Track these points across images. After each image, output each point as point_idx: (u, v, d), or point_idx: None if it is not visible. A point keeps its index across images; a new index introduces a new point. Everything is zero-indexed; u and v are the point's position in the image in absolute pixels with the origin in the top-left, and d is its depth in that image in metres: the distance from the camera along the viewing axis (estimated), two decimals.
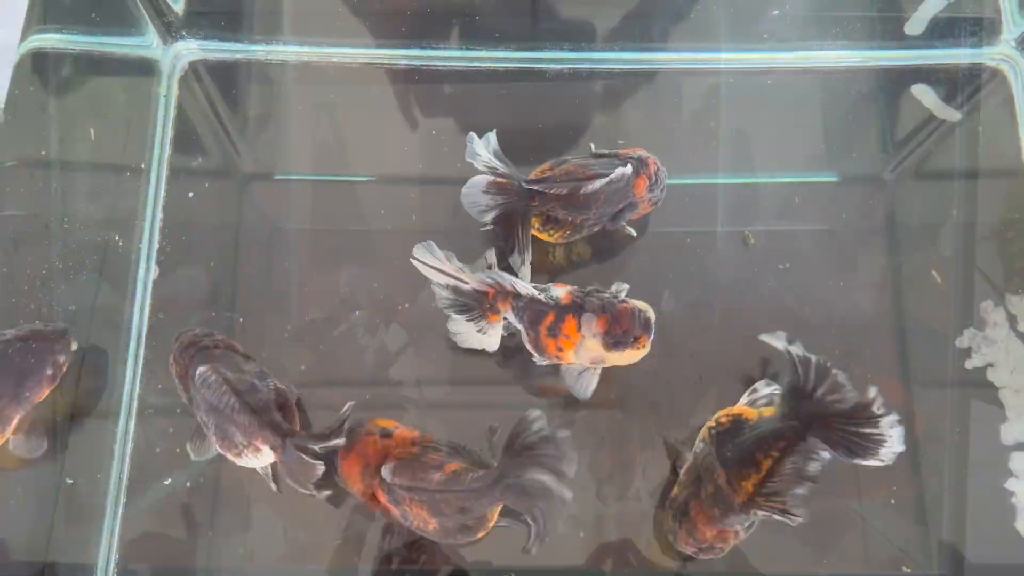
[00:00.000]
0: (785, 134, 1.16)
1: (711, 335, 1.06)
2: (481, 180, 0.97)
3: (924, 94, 1.16)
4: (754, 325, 1.03)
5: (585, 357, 0.95)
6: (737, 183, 1.13)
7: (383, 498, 0.90)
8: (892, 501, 1.00)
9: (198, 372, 0.92)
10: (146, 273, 1.07)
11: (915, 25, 1.20)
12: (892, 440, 0.81)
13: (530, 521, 0.82)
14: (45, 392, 0.98)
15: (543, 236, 1.03)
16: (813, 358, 0.84)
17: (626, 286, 0.98)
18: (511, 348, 1.03)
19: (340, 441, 0.90)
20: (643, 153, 1.02)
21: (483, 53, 1.18)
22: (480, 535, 0.91)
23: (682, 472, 0.94)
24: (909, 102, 1.17)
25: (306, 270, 1.09)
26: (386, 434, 0.93)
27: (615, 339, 0.93)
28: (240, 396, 0.91)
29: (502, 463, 0.85)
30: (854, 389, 0.82)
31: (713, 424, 0.91)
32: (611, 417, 1.03)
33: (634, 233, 1.07)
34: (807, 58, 1.18)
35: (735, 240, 1.10)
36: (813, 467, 0.83)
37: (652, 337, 0.95)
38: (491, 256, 1.04)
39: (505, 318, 0.95)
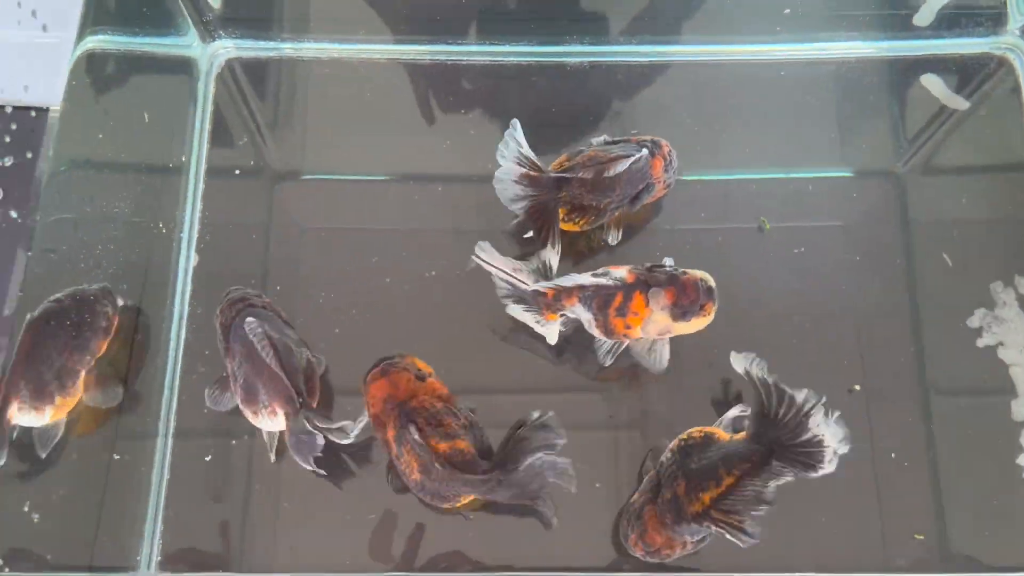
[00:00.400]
0: (798, 125, 1.19)
1: (726, 326, 1.07)
2: (512, 169, 1.00)
3: (933, 84, 1.20)
4: (769, 315, 1.08)
5: (652, 330, 0.98)
6: (751, 177, 1.17)
7: (391, 432, 0.94)
8: (906, 474, 1.03)
9: (247, 321, 0.95)
10: (187, 261, 1.13)
11: (924, 16, 1.23)
12: (834, 447, 0.85)
13: (538, 507, 0.88)
14: (103, 344, 1.03)
15: (569, 226, 1.07)
16: (771, 381, 0.87)
17: (670, 260, 1.01)
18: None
19: (347, 440, 0.95)
20: (654, 137, 1.06)
21: (507, 47, 1.22)
22: (449, 507, 0.96)
23: (645, 479, 0.97)
24: (919, 92, 1.20)
25: (338, 264, 1.12)
26: (420, 376, 0.97)
27: (683, 309, 0.96)
28: (277, 354, 0.95)
29: (496, 462, 0.90)
30: (815, 403, 0.85)
31: (685, 437, 0.94)
32: (627, 405, 1.06)
33: (615, 241, 1.10)
34: (819, 50, 1.22)
35: (750, 232, 1.13)
36: (771, 492, 0.86)
37: (716, 304, 0.98)
38: (548, 256, 1.04)
39: (564, 315, 0.99)
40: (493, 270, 0.99)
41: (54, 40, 1.05)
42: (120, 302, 1.06)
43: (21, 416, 0.99)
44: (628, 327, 0.98)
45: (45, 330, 1.00)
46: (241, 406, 0.98)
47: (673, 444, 0.95)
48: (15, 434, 1.00)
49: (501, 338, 1.08)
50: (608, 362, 1.01)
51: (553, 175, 1.01)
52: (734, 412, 0.99)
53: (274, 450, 1.01)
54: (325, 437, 0.95)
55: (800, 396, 0.86)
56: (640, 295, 0.96)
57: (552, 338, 1.02)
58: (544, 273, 1.01)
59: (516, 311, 1.01)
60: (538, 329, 1.02)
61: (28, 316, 1.01)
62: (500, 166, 1.02)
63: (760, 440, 0.88)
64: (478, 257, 0.99)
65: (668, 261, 1.01)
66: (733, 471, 0.86)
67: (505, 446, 0.92)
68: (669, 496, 0.90)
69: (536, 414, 0.92)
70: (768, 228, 1.13)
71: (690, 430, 0.95)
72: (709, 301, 0.98)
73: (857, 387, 1.05)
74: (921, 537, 1.00)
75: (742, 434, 0.93)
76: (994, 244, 1.12)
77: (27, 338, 0.99)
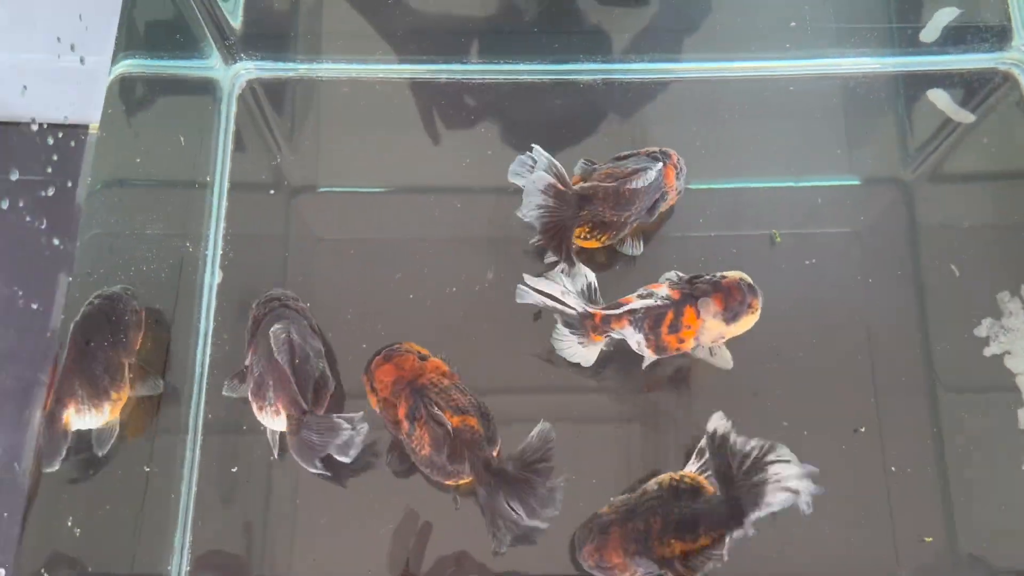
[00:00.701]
0: (807, 138, 1.21)
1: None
2: (542, 177, 1.01)
3: (939, 98, 1.22)
4: (780, 322, 1.10)
5: (707, 339, 1.01)
6: (762, 186, 1.20)
7: (402, 411, 0.97)
8: (915, 480, 1.05)
9: (274, 327, 0.99)
10: (211, 277, 1.16)
11: (930, 33, 1.26)
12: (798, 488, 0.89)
13: (491, 530, 0.91)
14: (138, 339, 1.08)
15: (591, 243, 1.09)
16: (729, 440, 0.91)
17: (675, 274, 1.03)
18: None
19: (345, 456, 0.98)
20: (662, 148, 1.10)
21: (520, 66, 1.25)
22: (453, 483, 0.99)
23: (617, 499, 0.98)
24: (926, 106, 1.23)
25: (356, 276, 1.15)
26: (423, 357, 1.01)
27: (733, 312, 1.00)
28: (293, 359, 0.99)
29: (501, 472, 0.92)
30: (772, 452, 0.89)
31: (678, 478, 0.96)
32: (637, 410, 1.09)
33: (639, 252, 1.13)
34: (827, 65, 1.25)
35: (761, 241, 1.16)
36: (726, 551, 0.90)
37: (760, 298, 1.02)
38: (582, 273, 1.05)
39: (609, 336, 1.02)
40: (541, 298, 1.01)
41: (90, 68, 1.08)
42: (135, 303, 1.10)
43: (81, 418, 1.02)
44: (681, 341, 1.01)
45: (87, 332, 1.04)
46: (250, 398, 1.02)
47: (664, 479, 0.96)
48: (69, 439, 1.02)
49: (518, 347, 1.11)
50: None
51: (577, 191, 1.03)
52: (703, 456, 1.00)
53: (276, 448, 1.04)
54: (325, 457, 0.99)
55: (758, 447, 0.90)
56: (690, 308, 0.99)
57: (590, 360, 1.04)
58: (589, 295, 1.03)
59: (561, 340, 1.04)
60: (574, 358, 1.04)
61: (72, 324, 1.05)
62: (514, 183, 1.04)
63: (728, 502, 0.90)
64: (526, 288, 1.01)
65: (673, 275, 1.04)
66: (711, 533, 0.89)
67: (521, 455, 0.94)
68: (642, 527, 0.92)
69: (549, 431, 0.94)
70: (779, 240, 1.16)
71: (684, 472, 0.97)
72: (754, 298, 1.01)
73: (863, 429, 1.07)
74: (930, 540, 1.03)
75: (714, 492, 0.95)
76: (1001, 254, 1.14)
77: (72, 343, 1.03)
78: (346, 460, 0.99)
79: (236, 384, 1.06)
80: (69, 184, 1.05)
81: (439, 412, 0.94)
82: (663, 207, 1.11)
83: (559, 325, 1.04)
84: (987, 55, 1.24)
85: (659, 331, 0.99)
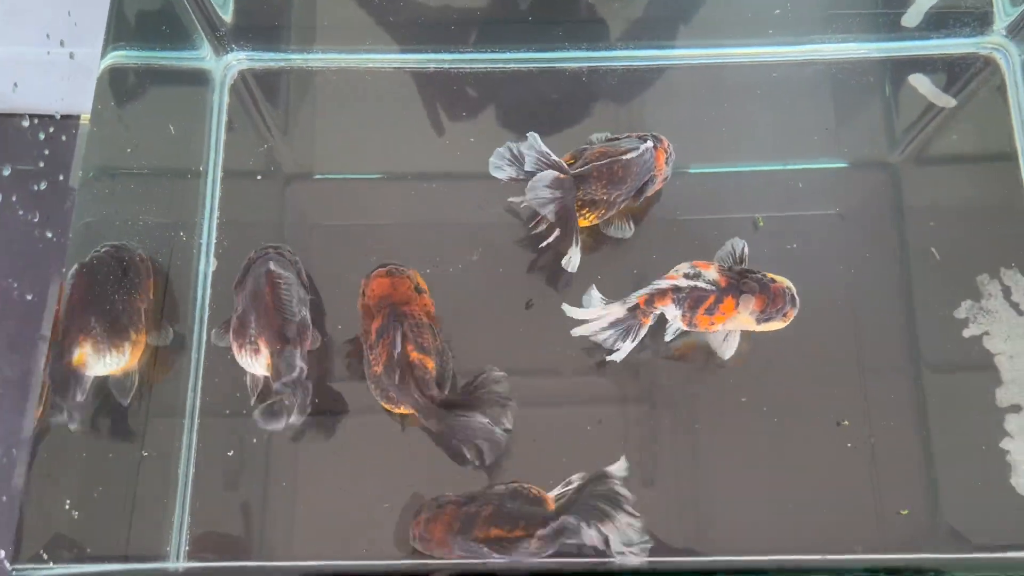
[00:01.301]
0: (791, 123, 1.23)
1: None
2: (548, 176, 1.03)
3: (920, 83, 1.24)
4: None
5: (733, 327, 1.06)
6: (747, 171, 1.21)
7: (375, 324, 1.03)
8: (897, 455, 1.07)
9: (271, 265, 1.03)
10: (206, 265, 1.18)
11: (912, 17, 1.27)
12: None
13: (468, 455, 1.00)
14: (150, 286, 1.10)
15: (581, 222, 1.10)
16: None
17: (741, 243, 1.07)
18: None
19: (302, 399, 1.00)
20: (652, 132, 1.12)
21: (507, 55, 1.26)
22: (390, 407, 1.04)
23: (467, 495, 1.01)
24: (908, 91, 1.24)
25: (350, 262, 1.16)
26: (419, 290, 1.07)
27: (767, 315, 1.04)
28: (278, 296, 1.01)
29: (446, 398, 1.00)
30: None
31: (528, 487, 1.00)
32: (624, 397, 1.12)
33: (629, 234, 1.15)
34: (810, 51, 1.26)
35: (747, 226, 1.18)
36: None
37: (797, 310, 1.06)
38: (572, 254, 1.08)
39: (654, 314, 1.05)
40: (586, 318, 1.05)
41: (80, 61, 1.10)
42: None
43: (100, 359, 1.01)
44: (712, 323, 1.05)
45: (99, 276, 1.05)
46: (231, 337, 1.03)
47: (516, 485, 1.00)
48: (86, 386, 1.02)
49: (511, 328, 1.13)
50: (669, 338, 1.08)
51: (573, 174, 1.05)
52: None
53: (255, 395, 1.06)
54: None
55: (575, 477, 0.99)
56: (732, 299, 1.03)
57: (624, 354, 1.07)
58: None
59: (608, 342, 1.06)
60: (622, 353, 1.06)
61: (72, 270, 1.06)
62: (499, 172, 1.06)
63: (555, 514, 0.96)
64: (572, 312, 1.05)
65: (735, 243, 1.07)
66: (527, 529, 0.94)
67: (465, 388, 1.01)
68: (473, 511, 0.97)
69: (498, 372, 1.01)
70: (761, 224, 1.18)
71: (533, 487, 1.00)
72: (792, 309, 1.06)
73: (847, 422, 1.09)
74: (906, 512, 1.05)
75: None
76: (981, 237, 1.16)
77: (81, 283, 1.03)
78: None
79: (222, 332, 1.07)
80: (61, 177, 1.07)
81: (401, 340, 1.00)
82: (650, 191, 1.13)
83: (619, 344, 1.06)
84: (968, 39, 1.26)
85: (696, 310, 1.03)
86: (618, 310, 1.05)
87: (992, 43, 1.25)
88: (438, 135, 1.24)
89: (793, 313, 1.06)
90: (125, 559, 1.05)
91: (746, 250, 1.08)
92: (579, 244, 1.07)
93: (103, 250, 1.10)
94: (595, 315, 1.05)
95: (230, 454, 1.09)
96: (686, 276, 1.04)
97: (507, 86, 1.26)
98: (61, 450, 1.06)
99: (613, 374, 1.11)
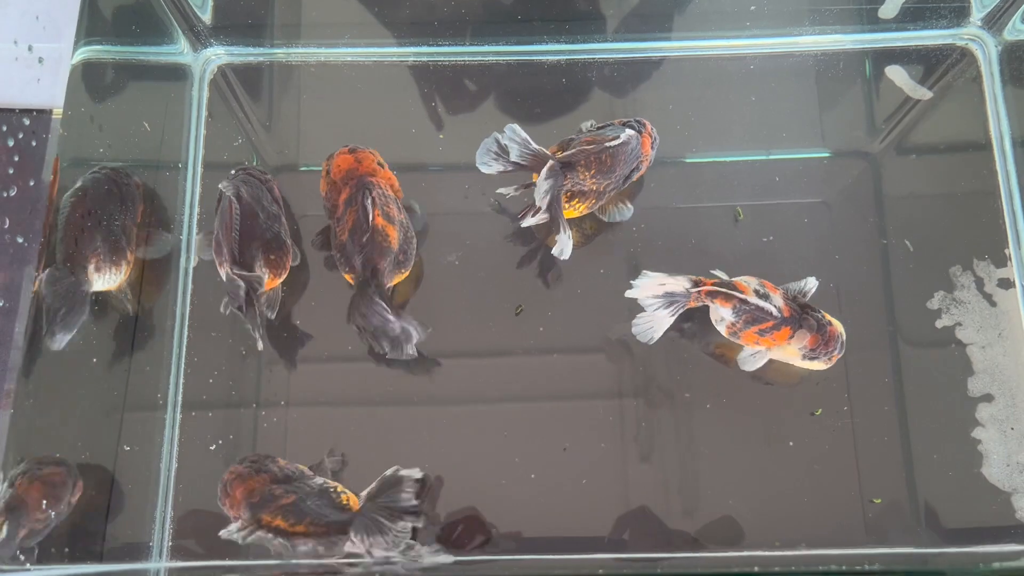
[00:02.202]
0: (769, 114, 1.24)
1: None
2: (547, 169, 1.03)
3: (897, 75, 1.24)
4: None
5: (776, 354, 1.07)
6: (729, 160, 1.22)
7: (343, 195, 1.08)
8: (874, 443, 1.09)
9: (230, 191, 1.07)
10: (187, 261, 1.18)
11: (888, 9, 1.27)
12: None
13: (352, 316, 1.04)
14: (141, 210, 1.15)
15: (571, 213, 1.11)
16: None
17: (814, 282, 1.08)
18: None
19: (252, 318, 1.04)
20: (636, 118, 1.13)
21: (486, 48, 1.27)
22: (349, 278, 1.07)
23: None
24: (886, 83, 1.25)
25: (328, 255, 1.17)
26: (382, 165, 1.11)
27: (815, 355, 1.05)
28: (232, 220, 1.05)
29: (379, 288, 1.04)
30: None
31: (340, 490, 1.02)
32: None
33: (628, 215, 1.16)
34: (787, 44, 1.27)
35: (729, 213, 1.19)
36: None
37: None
38: (563, 241, 1.08)
39: (703, 304, 1.06)
40: (651, 289, 1.05)
41: (49, 65, 1.10)
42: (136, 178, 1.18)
43: (100, 276, 1.07)
44: (758, 343, 1.06)
45: (96, 200, 1.09)
46: (214, 257, 1.09)
47: (336, 485, 1.03)
48: (88, 302, 1.06)
49: (498, 311, 1.15)
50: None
51: (560, 160, 1.04)
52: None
53: (228, 305, 1.07)
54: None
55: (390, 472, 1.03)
56: (788, 329, 1.04)
57: (655, 337, 1.08)
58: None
59: (650, 318, 1.07)
60: (647, 333, 1.07)
61: (66, 196, 1.09)
62: (485, 164, 1.06)
63: (340, 523, 0.99)
64: (635, 289, 1.06)
65: (808, 283, 1.08)
66: (308, 529, 0.97)
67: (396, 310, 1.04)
68: (276, 493, 0.99)
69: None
70: (742, 217, 1.18)
71: (345, 494, 1.02)
72: (838, 354, 1.07)
73: (819, 411, 1.11)
74: (878, 501, 1.07)
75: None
76: (955, 228, 1.17)
77: (81, 209, 1.07)
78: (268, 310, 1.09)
79: (205, 247, 1.14)
80: (32, 183, 1.07)
81: (369, 204, 1.04)
82: (636, 176, 1.14)
83: (656, 311, 1.07)
84: (945, 31, 1.26)
85: (750, 327, 1.04)
86: (681, 283, 1.05)
87: (968, 34, 1.26)
88: (418, 127, 1.24)
89: (837, 358, 1.07)
90: (102, 557, 1.07)
91: (814, 290, 1.08)
92: (568, 232, 1.07)
93: (100, 174, 1.12)
94: (661, 280, 1.06)
95: (212, 448, 1.11)
96: (756, 292, 1.05)
97: (488, 79, 1.26)
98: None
99: (604, 365, 1.13)
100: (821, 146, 1.22)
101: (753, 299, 1.04)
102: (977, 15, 1.26)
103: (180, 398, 1.13)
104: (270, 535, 0.97)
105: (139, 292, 1.16)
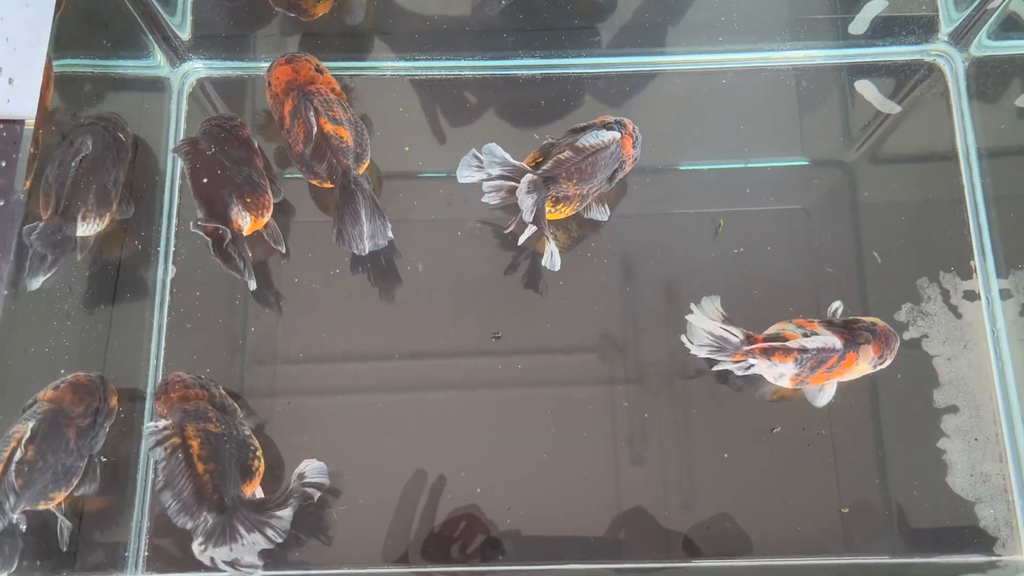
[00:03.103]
0: (744, 125, 1.25)
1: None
2: (526, 182, 1.05)
3: (866, 89, 1.26)
4: (738, 291, 1.16)
5: (850, 377, 1.07)
6: (709, 169, 1.24)
7: (287, 108, 1.11)
8: (836, 457, 1.11)
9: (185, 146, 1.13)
10: (164, 273, 1.19)
11: (858, 25, 1.29)
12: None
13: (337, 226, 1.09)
14: (126, 164, 1.19)
15: (555, 215, 1.12)
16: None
17: (839, 304, 1.09)
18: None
19: (234, 264, 1.08)
20: (617, 118, 1.12)
21: (463, 62, 1.28)
22: (317, 183, 1.13)
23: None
24: (858, 97, 1.26)
25: (312, 260, 1.20)
26: (319, 70, 1.15)
27: (883, 359, 1.06)
28: (198, 175, 1.11)
29: (357, 183, 1.08)
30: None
31: (255, 464, 1.03)
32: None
33: (606, 217, 1.17)
34: (762, 59, 1.28)
35: (709, 218, 1.20)
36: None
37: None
38: (551, 250, 1.10)
39: (748, 361, 1.05)
40: (706, 325, 1.05)
41: (22, 66, 1.11)
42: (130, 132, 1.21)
43: (84, 224, 1.11)
44: (829, 379, 1.06)
45: (95, 153, 1.12)
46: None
47: (250, 443, 1.03)
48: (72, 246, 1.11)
49: (492, 314, 1.17)
50: (740, 373, 1.07)
51: (542, 174, 1.05)
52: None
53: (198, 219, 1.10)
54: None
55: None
56: (853, 354, 1.03)
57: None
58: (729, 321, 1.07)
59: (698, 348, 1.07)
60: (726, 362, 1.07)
61: (66, 147, 1.12)
62: (467, 177, 1.07)
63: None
64: (692, 317, 1.06)
65: (835, 306, 1.09)
66: (210, 475, 0.96)
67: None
68: (200, 431, 0.99)
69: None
70: (721, 229, 1.20)
71: (256, 462, 1.03)
72: (898, 342, 1.07)
73: (778, 429, 1.12)
74: (846, 511, 1.09)
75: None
76: (923, 240, 1.19)
77: (82, 166, 1.11)
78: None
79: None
80: (2, 203, 1.08)
81: (312, 116, 1.08)
82: (621, 175, 1.15)
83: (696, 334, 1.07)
84: (914, 47, 1.28)
85: (817, 370, 1.04)
86: (735, 336, 1.04)
87: (936, 50, 1.28)
88: (390, 137, 1.25)
89: (897, 345, 1.07)
90: (76, 569, 1.08)
91: (842, 309, 1.09)
92: (553, 241, 1.08)
93: (97, 126, 1.15)
94: (718, 327, 1.04)
95: None
96: (804, 335, 1.03)
97: (465, 91, 1.27)
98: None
99: (614, 351, 1.15)
100: (803, 155, 1.24)
101: (810, 344, 1.02)
102: (945, 30, 1.28)
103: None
104: (175, 455, 0.96)
105: (113, 307, 1.18)
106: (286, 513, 0.98)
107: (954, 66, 1.27)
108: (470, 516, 1.09)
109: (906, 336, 1.15)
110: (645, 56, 1.30)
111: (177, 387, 1.04)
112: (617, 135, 1.09)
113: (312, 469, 1.03)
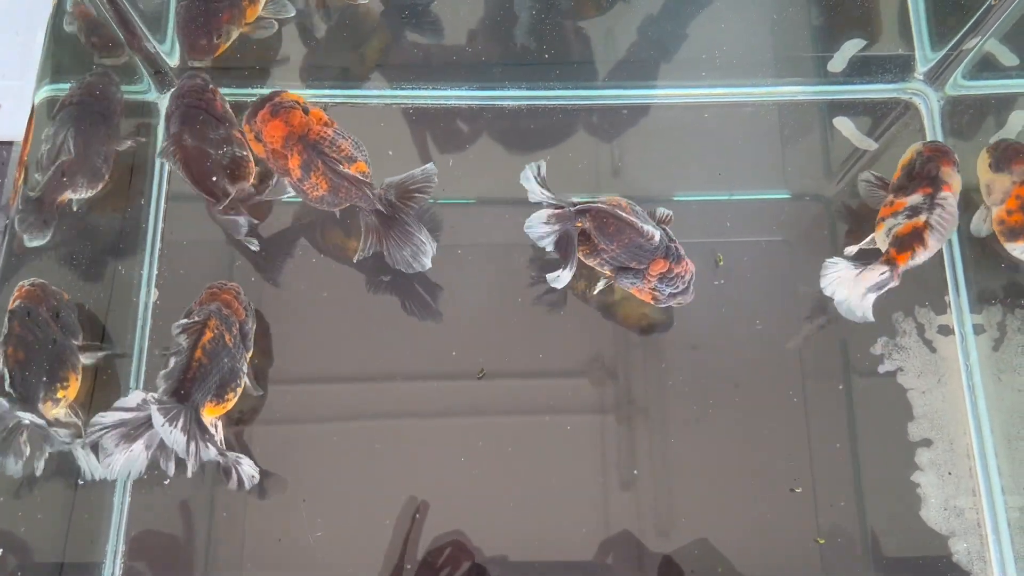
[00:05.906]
0: (732, 159, 1.27)
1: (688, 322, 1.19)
2: (542, 214, 1.06)
3: (844, 126, 1.29)
4: (717, 325, 1.18)
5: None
6: (697, 200, 1.26)
7: (294, 162, 1.09)
8: (802, 490, 1.12)
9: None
10: (147, 296, 1.20)
11: (837, 63, 1.32)
12: None
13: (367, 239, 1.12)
14: (118, 131, 1.22)
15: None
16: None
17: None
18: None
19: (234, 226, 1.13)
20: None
21: (448, 92, 1.30)
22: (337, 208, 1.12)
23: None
24: (836, 133, 1.29)
25: (298, 289, 1.21)
26: (305, 110, 1.11)
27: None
28: (184, 152, 1.13)
29: (388, 203, 1.09)
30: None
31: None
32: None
33: (596, 291, 1.18)
34: (742, 94, 1.31)
35: (705, 253, 1.22)
36: None
37: None
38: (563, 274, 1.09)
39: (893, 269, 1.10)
40: (534, 189, 1.07)
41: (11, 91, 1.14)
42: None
43: (75, 194, 1.17)
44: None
45: (89, 127, 1.16)
46: None
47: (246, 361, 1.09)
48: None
49: (479, 342, 1.18)
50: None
51: (571, 208, 1.06)
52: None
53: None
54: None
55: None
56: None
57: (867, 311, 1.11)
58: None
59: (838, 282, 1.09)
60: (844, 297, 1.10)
61: (59, 114, 1.15)
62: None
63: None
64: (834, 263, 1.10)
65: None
66: (207, 357, 1.03)
67: (402, 183, 1.10)
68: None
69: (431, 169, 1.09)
70: (721, 263, 1.21)
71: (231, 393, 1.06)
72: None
73: (799, 489, 1.13)
74: (822, 542, 1.10)
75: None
76: (901, 273, 1.20)
77: (76, 139, 1.14)
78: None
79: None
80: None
81: (338, 166, 1.07)
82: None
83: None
84: (891, 85, 1.31)
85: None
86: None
87: (912, 89, 1.31)
88: (384, 167, 1.26)
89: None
90: None
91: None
92: (573, 268, 1.08)
93: (88, 97, 1.18)
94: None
95: (166, 483, 1.12)
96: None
97: (447, 121, 1.29)
98: None
99: (606, 373, 1.16)
100: (785, 188, 1.26)
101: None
102: (921, 70, 1.31)
103: None
104: (191, 335, 1.03)
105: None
106: (211, 452, 1.01)
107: (930, 104, 1.29)
108: (455, 543, 1.09)
109: (882, 369, 1.17)
110: (632, 90, 1.32)
111: (231, 291, 1.10)
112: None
113: (248, 464, 1.05)
